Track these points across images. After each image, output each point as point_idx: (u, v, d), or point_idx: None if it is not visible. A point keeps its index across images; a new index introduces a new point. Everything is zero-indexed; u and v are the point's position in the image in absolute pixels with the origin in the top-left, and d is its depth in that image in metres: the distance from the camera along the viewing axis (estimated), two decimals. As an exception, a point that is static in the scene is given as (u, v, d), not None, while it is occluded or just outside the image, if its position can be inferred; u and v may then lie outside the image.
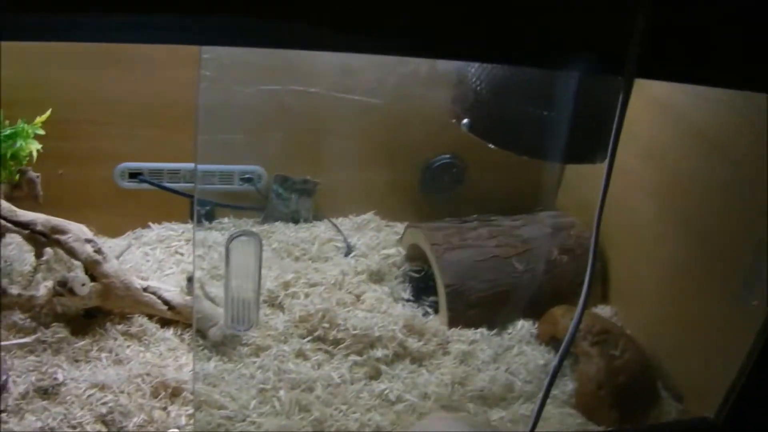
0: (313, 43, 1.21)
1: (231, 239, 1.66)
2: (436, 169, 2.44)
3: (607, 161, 1.33)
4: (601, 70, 1.40)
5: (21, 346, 1.89)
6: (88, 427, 1.70)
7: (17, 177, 2.09)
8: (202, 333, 1.98)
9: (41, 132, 2.07)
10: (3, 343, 1.88)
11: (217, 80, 1.67)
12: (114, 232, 2.33)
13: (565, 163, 2.04)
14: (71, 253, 1.97)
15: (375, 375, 1.98)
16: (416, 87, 1.93)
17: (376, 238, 2.41)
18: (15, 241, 2.17)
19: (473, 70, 1.71)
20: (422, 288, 2.26)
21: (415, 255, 2.32)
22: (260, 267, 1.70)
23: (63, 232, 1.98)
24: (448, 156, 2.43)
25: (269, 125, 2.14)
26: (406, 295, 2.24)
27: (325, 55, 1.21)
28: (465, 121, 1.73)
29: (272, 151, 2.26)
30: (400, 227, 2.45)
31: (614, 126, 1.27)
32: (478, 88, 1.70)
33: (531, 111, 1.66)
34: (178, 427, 1.72)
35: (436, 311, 2.19)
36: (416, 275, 2.30)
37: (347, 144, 2.31)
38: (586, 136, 1.66)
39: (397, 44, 1.22)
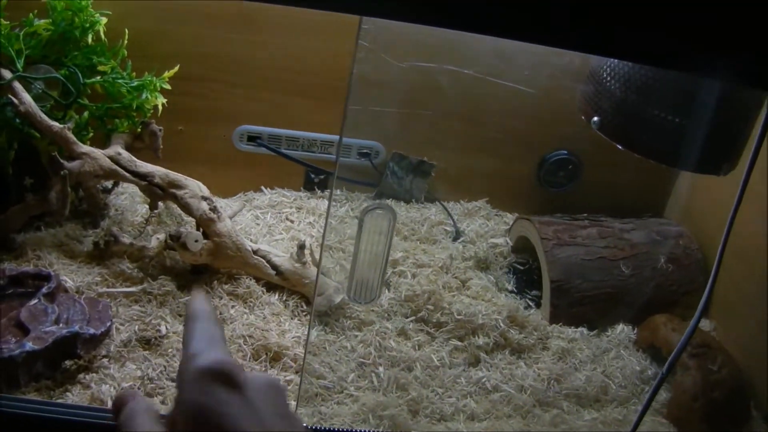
0: (478, 26, 1.20)
1: (366, 211, 1.65)
2: (553, 163, 2.40)
3: (743, 176, 1.30)
4: (743, 80, 1.36)
5: (127, 294, 1.91)
6: None
7: (140, 129, 2.12)
8: (307, 300, 1.99)
9: (167, 86, 2.10)
10: (109, 290, 1.90)
11: (372, 52, 1.66)
12: (225, 193, 2.34)
13: (692, 171, 1.99)
14: (186, 209, 1.99)
15: (474, 362, 1.96)
16: (561, 79, 1.90)
17: (486, 226, 2.39)
18: (128, 191, 2.22)
19: (608, 67, 1.68)
20: (526, 281, 2.25)
21: (522, 247, 2.30)
22: (390, 242, 1.71)
23: (180, 187, 2.00)
24: (565, 152, 2.40)
25: (409, 102, 2.13)
26: (510, 286, 2.22)
27: (482, 38, 1.19)
28: (595, 119, 1.70)
29: (395, 128, 2.24)
30: (509, 218, 2.44)
31: (756, 141, 1.23)
32: (613, 87, 1.66)
33: (664, 116, 1.62)
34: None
35: (538, 305, 2.17)
36: (521, 267, 2.28)
37: (473, 129, 2.31)
38: (716, 147, 1.63)
39: (561, 37, 1.20)
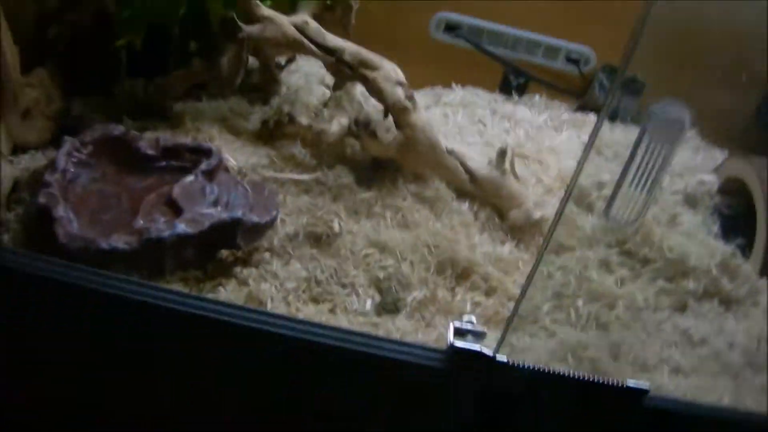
0: None
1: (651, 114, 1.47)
2: None
3: None
4: None
5: (297, 182, 1.71)
6: (360, 290, 1.52)
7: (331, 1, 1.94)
8: (501, 213, 1.79)
9: None
10: (277, 175, 1.71)
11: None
12: (413, 84, 2.10)
13: None
14: (378, 93, 1.77)
15: (681, 308, 1.73)
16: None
17: (693, 160, 2.16)
18: (302, 69, 2.06)
19: None
20: (732, 227, 1.99)
21: (730, 189, 2.05)
22: (669, 162, 1.51)
23: (373, 67, 1.78)
24: None
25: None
26: (716, 229, 1.98)
27: None
28: None
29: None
30: (718, 154, 2.19)
31: None
32: None
33: None
34: (462, 315, 1.49)
35: (746, 256, 1.90)
36: (726, 211, 2.03)
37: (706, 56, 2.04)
38: None
39: None
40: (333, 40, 1.81)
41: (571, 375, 1.28)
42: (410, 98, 1.75)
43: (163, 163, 1.61)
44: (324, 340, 1.24)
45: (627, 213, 1.56)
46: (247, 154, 1.74)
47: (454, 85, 2.22)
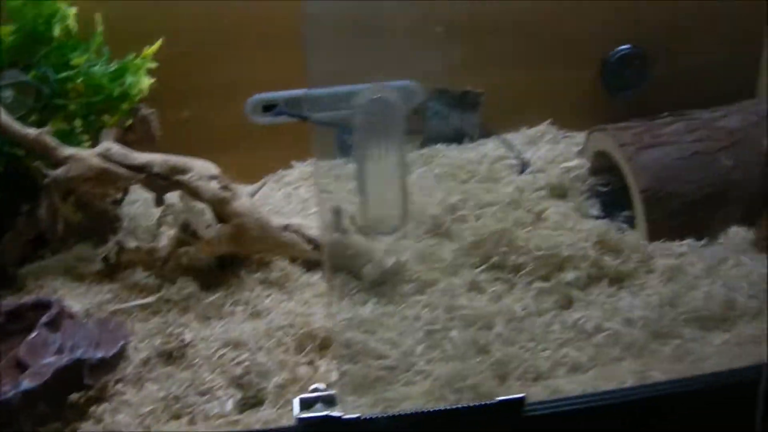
0: None
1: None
2: (616, 62, 2.15)
3: None
4: None
5: (143, 307, 1.66)
6: (219, 392, 1.45)
7: (131, 121, 1.91)
8: (354, 273, 1.71)
9: (153, 65, 1.90)
10: (121, 306, 1.67)
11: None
12: (253, 176, 2.06)
13: None
14: (195, 193, 1.73)
15: (566, 303, 1.67)
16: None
17: (554, 151, 2.11)
18: (141, 197, 1.99)
19: None
20: (612, 203, 1.95)
21: (602, 166, 2.01)
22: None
23: (184, 171, 1.75)
24: (628, 46, 2.14)
25: (414, 30, 1.82)
26: (595, 211, 1.94)
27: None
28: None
29: (421, 62, 1.95)
30: (580, 138, 2.14)
31: None
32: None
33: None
34: (329, 384, 1.42)
35: (632, 226, 1.88)
36: (604, 189, 1.99)
37: (508, 43, 2.08)
38: None
39: None
40: (139, 157, 1.76)
41: (431, 410, 1.22)
42: (226, 188, 1.72)
43: (10, 328, 1.57)
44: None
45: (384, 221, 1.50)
46: (92, 295, 1.70)
47: (293, 162, 2.17)
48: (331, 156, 2.11)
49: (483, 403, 1.26)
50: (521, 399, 1.27)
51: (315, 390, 1.27)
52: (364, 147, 1.66)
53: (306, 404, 1.25)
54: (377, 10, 1.68)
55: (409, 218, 1.74)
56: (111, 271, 1.76)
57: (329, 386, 1.39)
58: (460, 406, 1.25)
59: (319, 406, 1.24)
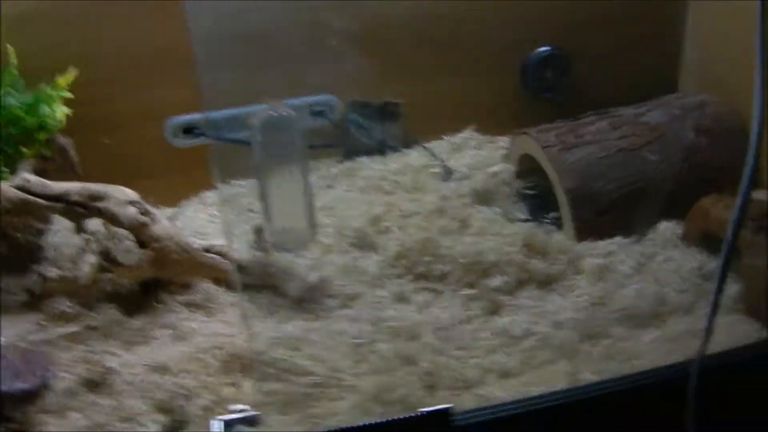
0: None
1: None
2: (537, 64, 2.15)
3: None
4: None
5: (68, 335, 1.64)
6: (143, 418, 1.44)
7: (50, 153, 1.91)
8: (279, 291, 1.71)
9: (68, 95, 1.88)
10: (47, 335, 1.65)
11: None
12: (176, 200, 2.08)
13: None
14: (114, 219, 1.72)
15: (494, 308, 1.67)
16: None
17: (479, 157, 2.11)
18: (64, 226, 1.93)
19: None
20: (540, 205, 1.96)
21: (527, 169, 2.01)
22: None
23: (102, 198, 1.73)
24: (547, 48, 2.14)
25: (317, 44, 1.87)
26: (522, 215, 1.95)
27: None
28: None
29: (336, 75, 1.95)
30: (504, 142, 2.14)
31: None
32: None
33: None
34: (253, 404, 1.41)
35: (560, 228, 1.88)
36: (531, 192, 2.00)
37: (427, 52, 2.08)
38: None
39: None
40: (57, 186, 1.75)
41: (353, 426, 1.21)
42: (145, 213, 1.71)
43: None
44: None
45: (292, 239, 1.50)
46: (17, 327, 1.67)
47: (217, 184, 2.13)
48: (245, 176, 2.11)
49: (407, 415, 1.24)
50: (446, 410, 1.26)
51: (234, 411, 1.26)
52: (265, 165, 1.67)
53: (228, 425, 1.25)
54: (279, 27, 1.68)
55: (317, 233, 1.76)
56: (35, 302, 1.73)
57: (255, 406, 1.38)
58: (384, 420, 1.24)
59: (240, 426, 1.23)
